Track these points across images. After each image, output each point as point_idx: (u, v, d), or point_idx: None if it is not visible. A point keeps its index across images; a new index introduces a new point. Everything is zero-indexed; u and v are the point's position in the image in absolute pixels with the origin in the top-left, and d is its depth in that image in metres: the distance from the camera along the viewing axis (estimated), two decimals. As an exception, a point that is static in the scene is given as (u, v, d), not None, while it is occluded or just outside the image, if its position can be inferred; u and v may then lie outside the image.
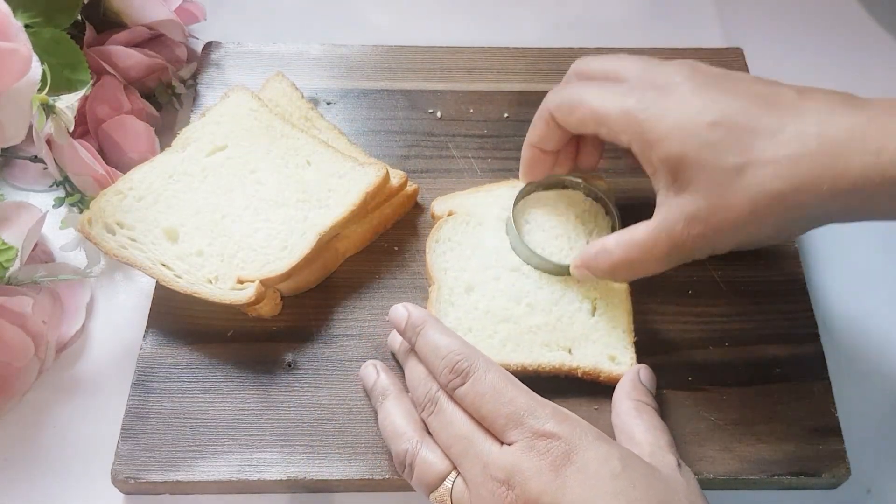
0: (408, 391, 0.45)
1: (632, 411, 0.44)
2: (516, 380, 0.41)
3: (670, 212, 0.43)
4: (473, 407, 0.40)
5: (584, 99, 0.46)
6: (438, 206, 0.55)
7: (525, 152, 0.52)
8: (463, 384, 0.41)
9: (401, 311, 0.45)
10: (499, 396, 0.40)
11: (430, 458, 0.41)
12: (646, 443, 0.42)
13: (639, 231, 0.45)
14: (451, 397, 0.41)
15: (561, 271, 0.51)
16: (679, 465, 0.41)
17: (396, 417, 0.43)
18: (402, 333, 0.45)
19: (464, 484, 0.40)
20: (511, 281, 0.51)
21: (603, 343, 0.49)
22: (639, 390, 0.46)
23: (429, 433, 0.42)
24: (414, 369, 0.44)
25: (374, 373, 0.47)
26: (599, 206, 0.54)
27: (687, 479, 0.40)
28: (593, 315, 0.50)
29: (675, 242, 0.43)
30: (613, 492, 0.36)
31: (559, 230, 0.53)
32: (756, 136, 0.41)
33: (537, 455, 0.37)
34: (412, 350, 0.45)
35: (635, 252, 0.45)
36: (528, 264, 0.51)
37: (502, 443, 0.39)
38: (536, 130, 0.50)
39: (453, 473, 0.40)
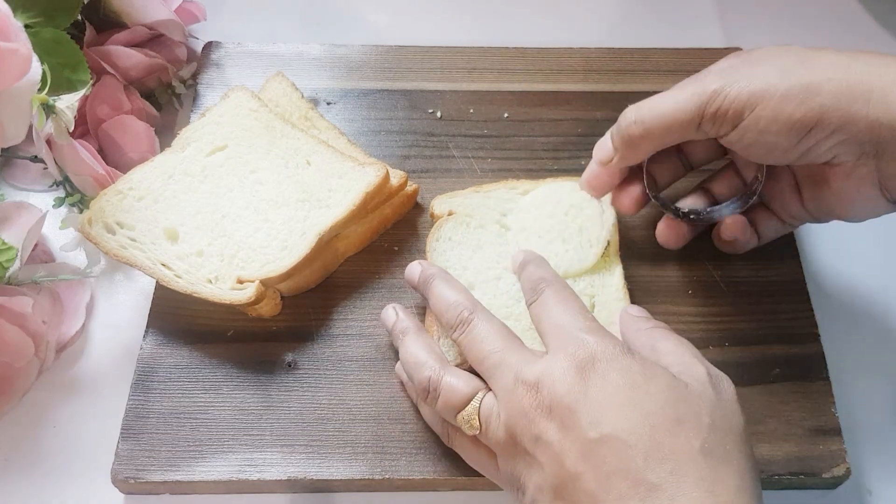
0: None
1: (649, 339, 0.43)
2: (580, 302, 0.43)
3: (713, 70, 0.46)
4: (537, 318, 0.43)
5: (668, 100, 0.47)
6: (438, 205, 0.55)
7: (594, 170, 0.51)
8: (535, 300, 0.43)
9: (414, 266, 0.48)
10: (553, 310, 0.42)
11: (454, 383, 0.42)
12: (674, 360, 0.40)
13: (667, 95, 0.46)
14: (493, 316, 0.44)
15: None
16: (709, 375, 0.39)
17: (418, 349, 0.44)
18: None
19: (493, 398, 0.41)
20: (512, 280, 0.51)
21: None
22: (641, 320, 0.45)
23: (449, 364, 0.44)
24: (442, 293, 0.45)
25: (394, 314, 0.48)
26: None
27: (718, 391, 0.39)
28: (592, 311, 0.50)
29: (709, 90, 0.44)
30: (629, 402, 0.36)
31: (553, 234, 0.53)
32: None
33: (567, 358, 0.38)
34: (439, 278, 0.47)
35: (667, 109, 0.45)
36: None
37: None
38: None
39: (480, 392, 0.41)
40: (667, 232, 0.52)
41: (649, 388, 0.37)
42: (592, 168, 0.51)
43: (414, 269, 0.48)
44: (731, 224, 0.50)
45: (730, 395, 0.39)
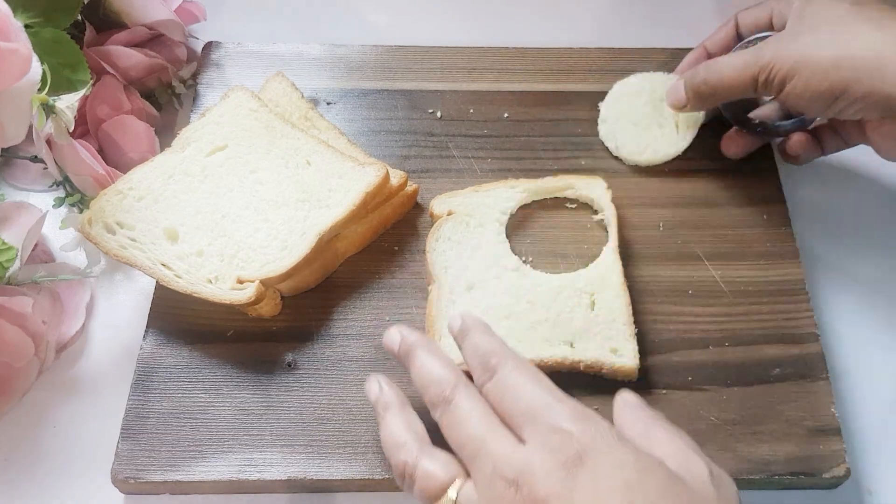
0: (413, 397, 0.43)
1: (646, 429, 0.39)
2: (546, 378, 0.39)
3: (769, 45, 0.51)
4: (496, 402, 0.39)
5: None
6: (438, 205, 0.55)
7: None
8: (490, 380, 0.39)
9: (394, 334, 0.43)
10: (520, 392, 0.38)
11: (430, 468, 0.38)
12: (671, 452, 0.37)
13: (732, 58, 0.53)
14: (477, 393, 0.40)
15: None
16: (711, 473, 0.36)
17: (397, 428, 0.40)
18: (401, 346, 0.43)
19: (472, 489, 0.37)
20: (512, 279, 0.51)
21: (603, 336, 0.49)
22: (637, 410, 0.41)
23: (430, 444, 0.40)
24: (423, 367, 0.41)
25: (377, 387, 0.43)
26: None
27: (719, 488, 0.36)
28: (592, 309, 0.50)
29: (755, 73, 0.51)
30: (624, 503, 0.33)
31: (648, 120, 0.59)
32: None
33: (549, 453, 0.35)
34: (421, 348, 0.42)
35: (730, 74, 0.52)
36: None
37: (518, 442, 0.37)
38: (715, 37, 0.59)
39: (458, 481, 0.38)
40: (733, 142, 0.58)
41: (646, 487, 0.34)
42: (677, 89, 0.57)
43: (393, 337, 0.43)
44: (797, 141, 0.57)
45: (730, 493, 0.36)
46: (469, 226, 0.54)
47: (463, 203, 0.55)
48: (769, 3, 0.56)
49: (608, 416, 0.47)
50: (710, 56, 0.58)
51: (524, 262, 0.53)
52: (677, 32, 0.71)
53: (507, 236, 0.54)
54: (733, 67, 0.52)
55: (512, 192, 0.56)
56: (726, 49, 0.57)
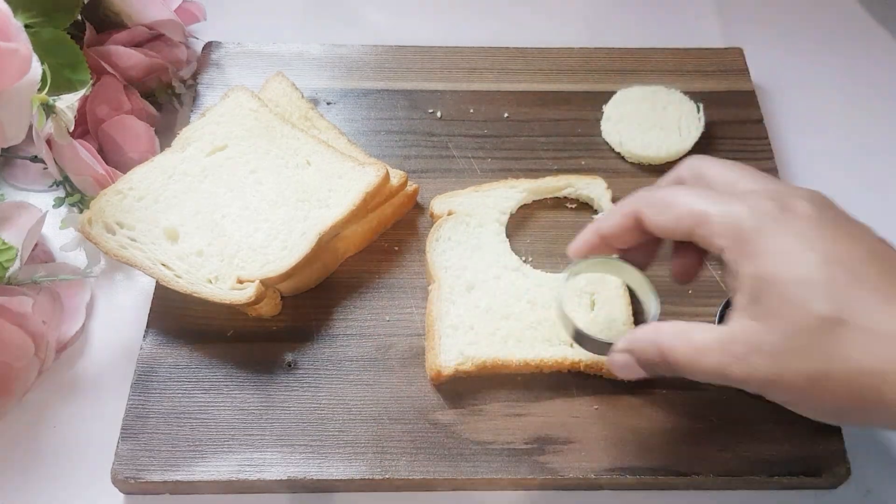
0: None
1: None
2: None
3: (738, 331, 0.38)
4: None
5: (685, 199, 0.41)
6: (438, 205, 0.55)
7: (587, 236, 0.46)
8: None
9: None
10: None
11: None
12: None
13: (696, 332, 0.39)
14: None
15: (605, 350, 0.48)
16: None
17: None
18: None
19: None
20: (511, 280, 0.51)
21: (603, 336, 0.49)
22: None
23: None
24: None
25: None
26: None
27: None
28: (593, 309, 0.50)
29: (727, 363, 0.38)
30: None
31: (650, 122, 0.59)
32: (862, 293, 0.35)
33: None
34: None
35: (682, 348, 0.39)
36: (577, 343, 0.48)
37: None
38: (611, 223, 0.44)
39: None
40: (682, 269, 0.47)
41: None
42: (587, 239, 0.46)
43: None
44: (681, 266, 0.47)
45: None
46: (469, 226, 0.54)
47: (463, 203, 0.55)
48: (689, 208, 0.40)
49: (608, 415, 0.48)
50: (604, 241, 0.45)
51: (524, 261, 0.53)
52: (677, 32, 0.71)
53: (507, 236, 0.54)
54: (700, 359, 0.39)
55: (512, 192, 0.56)
56: (621, 239, 0.44)
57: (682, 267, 0.46)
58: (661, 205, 0.41)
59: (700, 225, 0.40)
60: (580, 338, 0.46)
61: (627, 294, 0.51)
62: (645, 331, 0.42)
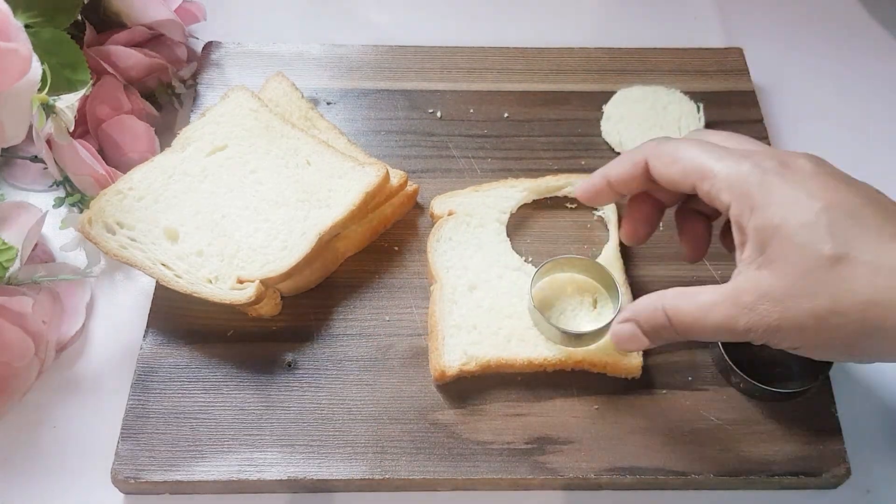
0: None
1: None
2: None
3: (745, 282, 0.39)
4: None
5: (692, 153, 0.42)
6: (438, 205, 0.55)
7: (596, 179, 0.46)
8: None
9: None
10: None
11: None
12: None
13: (704, 292, 0.41)
14: None
15: (590, 341, 0.48)
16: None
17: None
18: None
19: None
20: (514, 279, 0.51)
21: (606, 335, 0.49)
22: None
23: None
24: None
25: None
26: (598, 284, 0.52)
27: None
28: (595, 308, 0.50)
29: (735, 314, 0.39)
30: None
31: (650, 122, 0.59)
32: (863, 232, 0.37)
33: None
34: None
35: (688, 307, 0.41)
36: (554, 341, 0.49)
37: None
38: (619, 168, 0.45)
39: None
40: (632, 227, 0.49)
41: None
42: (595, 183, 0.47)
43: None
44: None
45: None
46: (470, 226, 0.54)
47: (463, 203, 0.55)
48: (698, 166, 0.41)
49: (608, 415, 0.48)
50: (610, 186, 0.46)
51: (525, 261, 0.53)
52: (677, 32, 0.71)
53: (508, 236, 0.54)
54: (707, 316, 0.40)
55: (512, 192, 0.56)
56: (628, 185, 0.45)
57: (692, 241, 0.47)
58: (669, 157, 0.43)
59: (705, 179, 0.41)
60: (565, 337, 0.48)
61: (629, 292, 0.51)
62: (649, 297, 0.43)
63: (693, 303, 0.41)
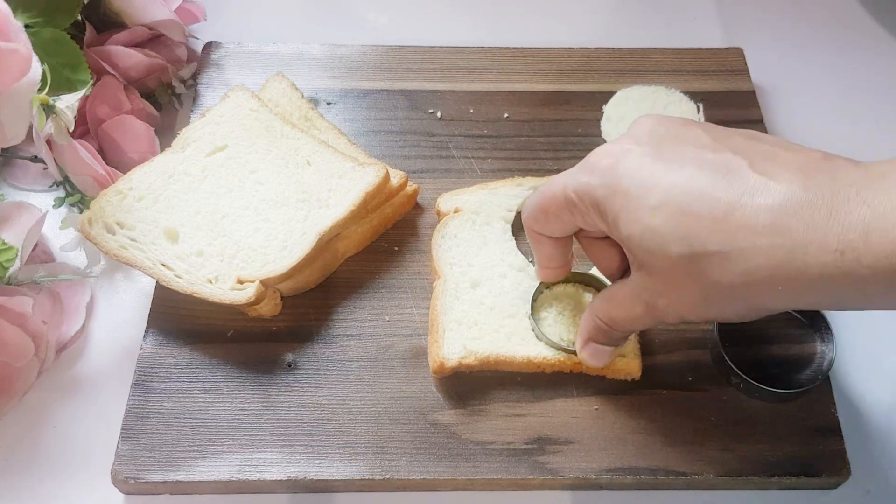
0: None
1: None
2: None
3: (637, 283, 0.41)
4: None
5: (551, 188, 0.42)
6: (444, 202, 0.55)
7: (549, 269, 0.48)
8: None
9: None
10: None
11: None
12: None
13: (621, 288, 0.43)
14: None
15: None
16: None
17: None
18: None
19: None
20: (517, 280, 0.51)
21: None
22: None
23: None
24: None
25: None
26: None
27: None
28: None
29: (643, 310, 0.41)
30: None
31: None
32: (701, 222, 0.36)
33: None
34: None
35: (614, 310, 0.43)
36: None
37: None
38: (549, 252, 0.47)
39: None
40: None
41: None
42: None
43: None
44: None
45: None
46: (476, 223, 0.54)
47: (469, 200, 0.55)
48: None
49: (608, 415, 0.48)
50: (561, 265, 0.48)
51: (530, 261, 0.53)
52: (677, 32, 0.71)
53: (514, 235, 0.54)
54: (630, 310, 0.42)
55: (519, 190, 0.56)
56: (564, 255, 0.47)
57: (604, 262, 0.46)
58: (539, 214, 0.44)
59: (575, 214, 0.42)
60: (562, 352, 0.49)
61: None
62: (585, 313, 0.46)
63: (614, 302, 0.43)
